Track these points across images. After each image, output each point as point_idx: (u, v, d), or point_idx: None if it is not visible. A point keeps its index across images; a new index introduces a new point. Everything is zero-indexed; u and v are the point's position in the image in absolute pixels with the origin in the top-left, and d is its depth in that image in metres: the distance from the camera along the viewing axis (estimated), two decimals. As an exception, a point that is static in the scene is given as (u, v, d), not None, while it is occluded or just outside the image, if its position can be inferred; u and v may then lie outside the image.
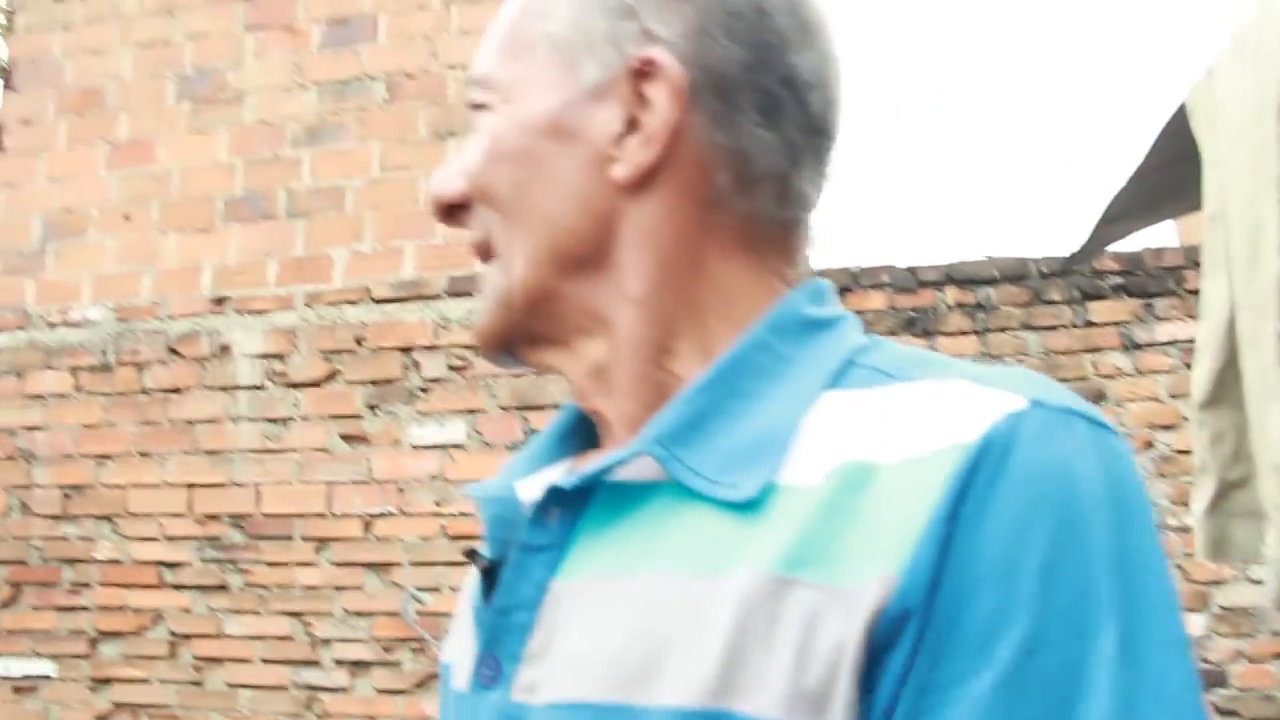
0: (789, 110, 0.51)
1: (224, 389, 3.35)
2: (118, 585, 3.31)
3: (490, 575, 0.50)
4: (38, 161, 3.65)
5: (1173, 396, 2.94)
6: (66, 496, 3.41)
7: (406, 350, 3.25)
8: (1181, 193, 1.56)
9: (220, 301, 3.41)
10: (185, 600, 3.27)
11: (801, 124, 0.51)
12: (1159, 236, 4.42)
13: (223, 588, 3.25)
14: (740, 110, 0.50)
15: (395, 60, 3.39)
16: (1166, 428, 2.95)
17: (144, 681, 3.26)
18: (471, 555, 0.53)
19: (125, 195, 3.55)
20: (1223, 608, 2.88)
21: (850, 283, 3.19)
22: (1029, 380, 0.43)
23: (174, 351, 3.41)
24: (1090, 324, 3.06)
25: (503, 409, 3.15)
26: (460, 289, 3.18)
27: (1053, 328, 3.08)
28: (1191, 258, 2.94)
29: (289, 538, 3.22)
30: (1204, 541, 1.58)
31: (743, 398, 0.48)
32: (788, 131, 0.51)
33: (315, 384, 3.30)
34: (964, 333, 3.13)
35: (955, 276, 3.17)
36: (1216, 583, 2.87)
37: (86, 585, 3.34)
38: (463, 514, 3.09)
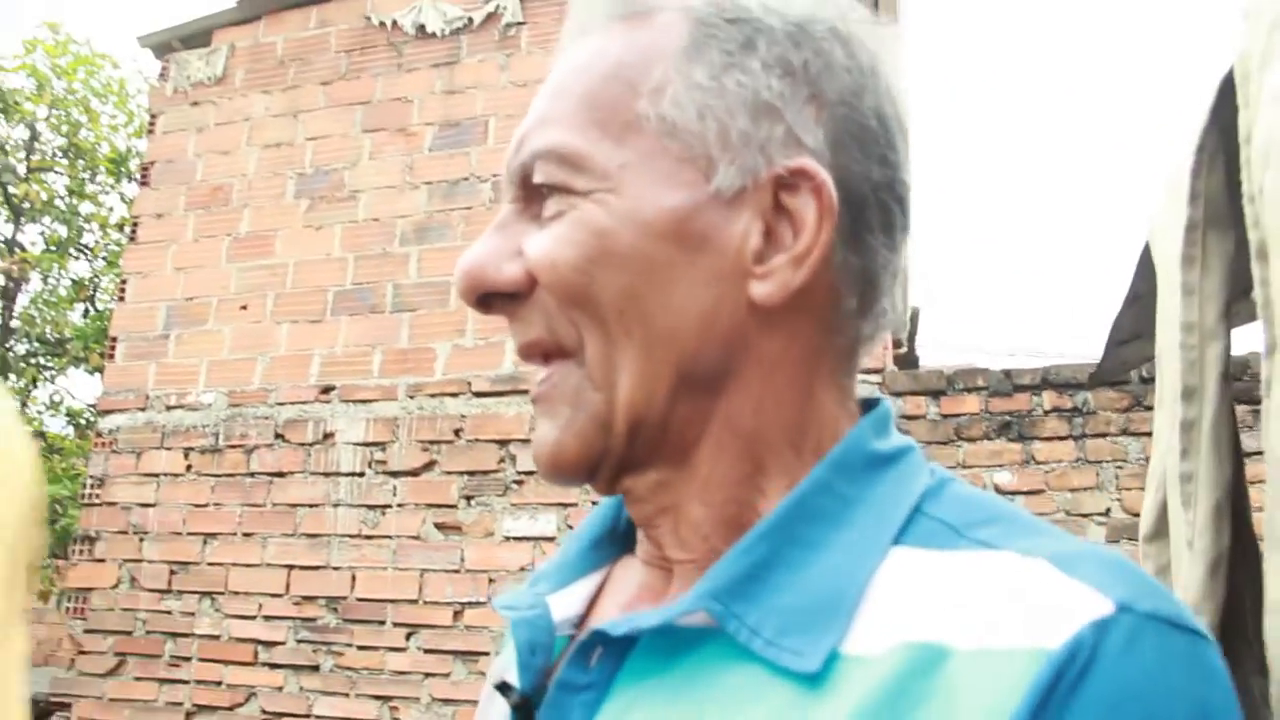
0: (902, 227, 0.49)
1: (326, 474, 3.47)
2: (215, 661, 3.42)
3: (524, 711, 0.47)
4: (166, 253, 3.89)
5: None
6: (173, 572, 3.55)
7: (503, 443, 3.33)
8: None
9: (327, 390, 3.55)
10: (278, 679, 3.35)
11: (905, 240, 0.49)
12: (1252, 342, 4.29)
13: (314, 668, 3.32)
14: (870, 229, 0.47)
15: (503, 161, 3.54)
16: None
17: (236, 759, 3.34)
18: (504, 689, 0.48)
19: (244, 286, 3.75)
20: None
21: (945, 386, 3.17)
22: (1113, 570, 0.40)
23: (280, 436, 3.55)
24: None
25: (594, 503, 3.18)
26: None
27: (1152, 434, 2.99)
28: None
29: (381, 623, 3.29)
30: None
31: (805, 546, 0.44)
32: (901, 249, 0.49)
33: (413, 473, 3.39)
34: (1060, 437, 3.07)
35: (1052, 380, 3.12)
36: None
37: (187, 659, 3.45)
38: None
